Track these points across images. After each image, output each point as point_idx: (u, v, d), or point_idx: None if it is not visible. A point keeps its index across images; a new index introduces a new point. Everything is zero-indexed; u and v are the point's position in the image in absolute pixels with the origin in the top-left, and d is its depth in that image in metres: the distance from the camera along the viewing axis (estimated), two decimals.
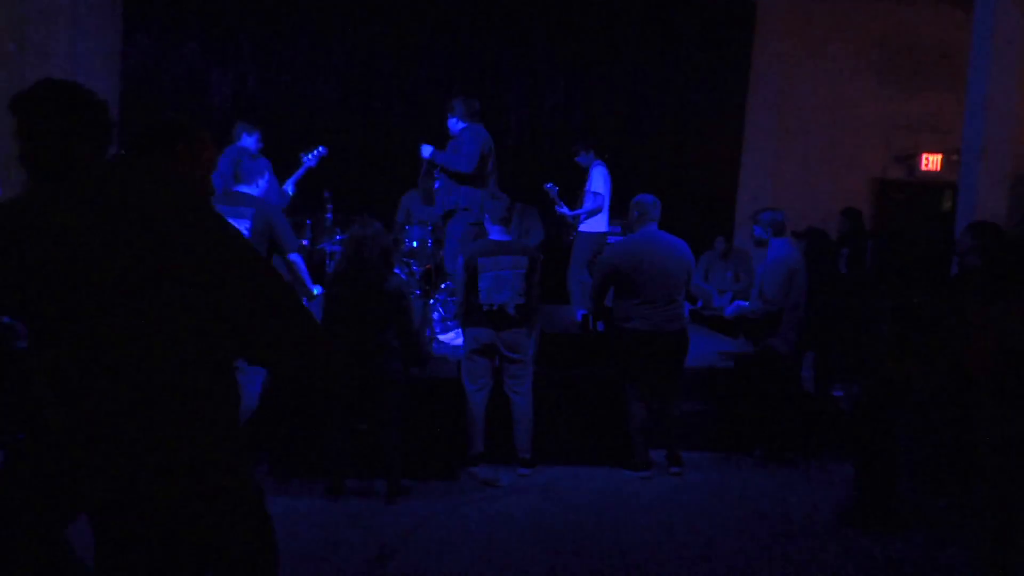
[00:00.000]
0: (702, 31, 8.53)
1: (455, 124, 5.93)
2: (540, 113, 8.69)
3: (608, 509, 4.41)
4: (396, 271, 4.52)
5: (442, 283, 6.48)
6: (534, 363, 4.93)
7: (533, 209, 7.34)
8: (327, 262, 7.12)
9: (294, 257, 4.53)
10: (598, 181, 6.48)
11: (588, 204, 6.45)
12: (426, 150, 5.93)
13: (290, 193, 6.17)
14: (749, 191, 8.60)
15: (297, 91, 8.42)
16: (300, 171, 6.21)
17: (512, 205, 5.01)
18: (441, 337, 6.06)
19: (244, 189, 4.53)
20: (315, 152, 6.22)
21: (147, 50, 8.24)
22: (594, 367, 5.31)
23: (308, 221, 7.28)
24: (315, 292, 4.78)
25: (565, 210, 6.62)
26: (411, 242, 6.54)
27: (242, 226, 4.33)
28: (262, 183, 4.62)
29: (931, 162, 8.76)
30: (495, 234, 4.85)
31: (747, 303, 7.70)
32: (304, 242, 7.24)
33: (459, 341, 5.92)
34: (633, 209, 4.93)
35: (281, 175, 6.10)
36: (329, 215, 7.09)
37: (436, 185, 6.08)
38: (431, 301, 6.26)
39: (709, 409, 5.40)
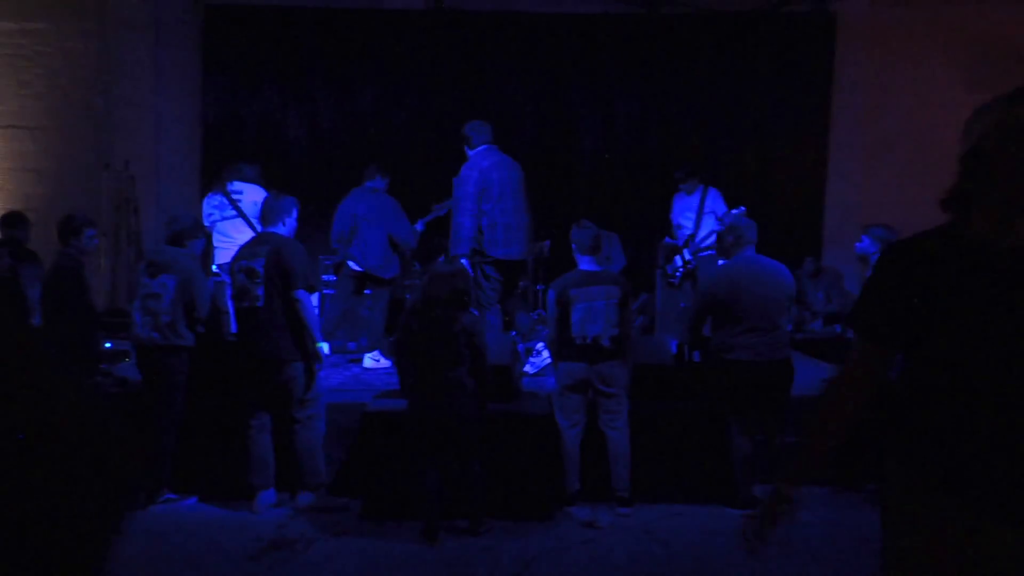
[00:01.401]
0: (780, 46, 8.27)
1: (469, 152, 5.77)
2: (613, 137, 8.53)
3: (715, 551, 4.16)
4: (471, 311, 4.41)
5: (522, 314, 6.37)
6: (628, 397, 4.73)
7: (614, 235, 7.17)
8: (406, 296, 7.09)
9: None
10: (720, 203, 6.41)
11: (714, 225, 6.35)
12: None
13: (420, 231, 6.42)
14: (837, 208, 8.26)
15: (368, 129, 8.47)
16: (429, 216, 6.48)
17: (599, 233, 4.86)
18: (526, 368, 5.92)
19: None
20: (446, 203, 6.44)
21: (225, 95, 8.42)
22: (691, 400, 5.07)
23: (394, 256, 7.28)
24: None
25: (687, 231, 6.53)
26: None
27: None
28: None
29: None
30: (584, 264, 4.70)
31: (839, 327, 7.38)
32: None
33: (537, 368, 5.80)
34: (728, 234, 4.73)
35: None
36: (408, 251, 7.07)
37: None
38: (512, 333, 6.14)
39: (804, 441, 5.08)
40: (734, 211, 6.10)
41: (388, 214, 6.06)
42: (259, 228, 5.92)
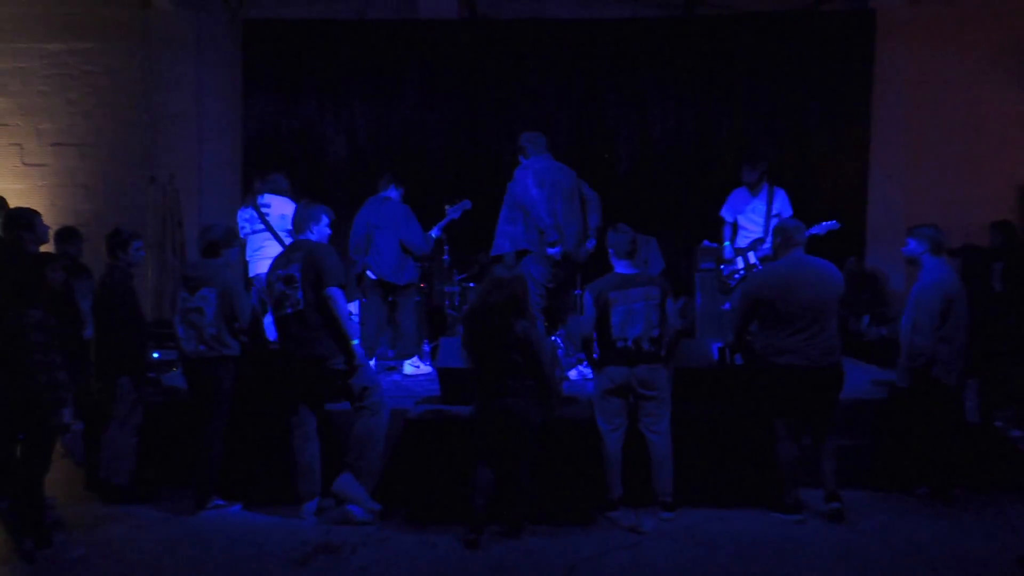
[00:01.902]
0: (819, 45, 8.13)
1: (524, 161, 5.86)
2: (648, 142, 8.47)
3: (761, 557, 4.10)
4: (531, 318, 4.49)
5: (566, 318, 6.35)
6: (670, 400, 4.69)
7: (651, 239, 7.13)
8: (445, 303, 7.13)
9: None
10: (787, 206, 6.22)
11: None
12: None
13: (434, 236, 6.39)
14: (880, 207, 8.09)
15: (408, 138, 8.53)
16: (443, 222, 6.41)
17: (635, 237, 4.85)
18: (568, 373, 5.93)
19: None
20: (459, 205, 6.40)
21: (265, 108, 8.54)
22: (733, 403, 5.02)
23: (426, 264, 7.33)
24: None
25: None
26: None
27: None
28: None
29: None
30: (621, 267, 4.69)
31: (884, 328, 7.24)
32: (422, 284, 7.29)
33: (578, 376, 5.78)
34: (776, 235, 4.66)
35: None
36: (446, 257, 7.12)
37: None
38: (553, 338, 6.14)
39: (863, 444, 5.00)
40: (825, 224, 5.83)
41: (399, 221, 6.07)
42: (287, 240, 6.00)
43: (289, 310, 4.54)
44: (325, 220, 4.78)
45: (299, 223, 4.78)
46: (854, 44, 8.10)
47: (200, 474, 4.70)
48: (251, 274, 6.36)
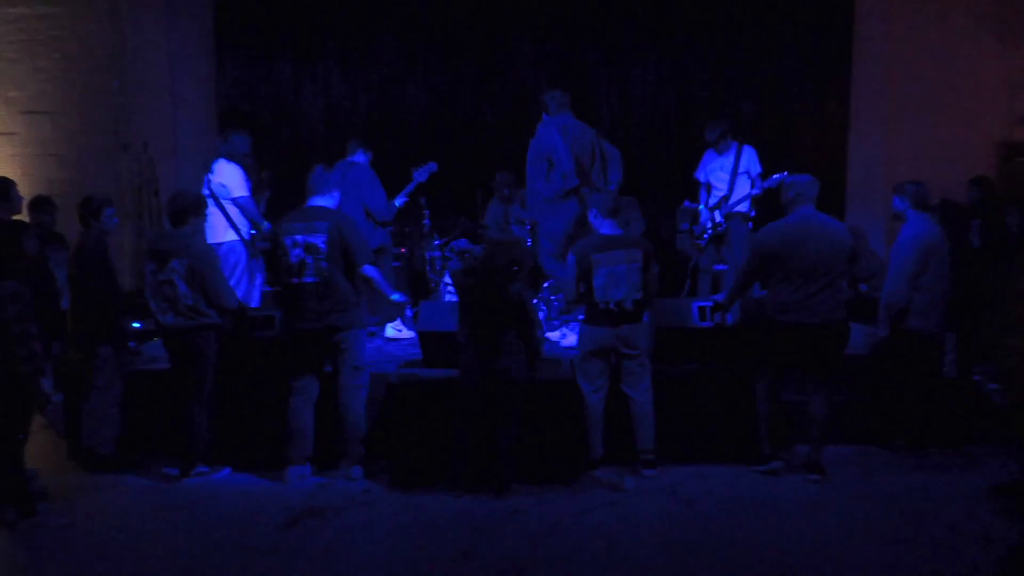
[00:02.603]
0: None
1: (545, 119, 5.81)
2: (630, 101, 8.42)
3: (740, 511, 4.17)
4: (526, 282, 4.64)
5: (544, 282, 6.35)
6: (650, 359, 4.72)
7: (632, 199, 7.10)
8: (427, 268, 7.10)
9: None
10: (755, 162, 6.29)
11: (750, 187, 6.24)
12: None
13: (397, 206, 6.25)
14: (860, 166, 8.09)
15: (385, 101, 8.44)
16: (410, 186, 6.32)
17: (618, 196, 4.85)
18: (550, 335, 5.93)
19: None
20: (425, 168, 6.31)
21: (239, 73, 8.43)
22: (714, 362, 5.05)
23: (406, 229, 7.29)
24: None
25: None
26: None
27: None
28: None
29: None
30: (605, 228, 4.67)
31: (865, 285, 7.28)
32: (402, 250, 7.26)
33: (568, 340, 5.79)
34: (788, 190, 4.60)
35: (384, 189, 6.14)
36: (427, 221, 7.07)
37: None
38: (534, 301, 6.14)
39: (844, 400, 5.06)
40: (775, 176, 5.89)
41: (363, 186, 5.97)
42: (229, 210, 5.86)
43: (309, 279, 4.51)
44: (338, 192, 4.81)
45: (318, 185, 4.71)
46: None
47: (185, 442, 4.69)
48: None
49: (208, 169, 6.02)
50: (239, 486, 4.63)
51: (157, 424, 5.03)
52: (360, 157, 6.17)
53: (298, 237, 4.55)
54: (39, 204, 5.70)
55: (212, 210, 5.81)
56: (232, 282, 5.73)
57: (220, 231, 5.86)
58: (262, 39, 8.23)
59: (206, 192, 5.90)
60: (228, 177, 5.85)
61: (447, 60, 8.32)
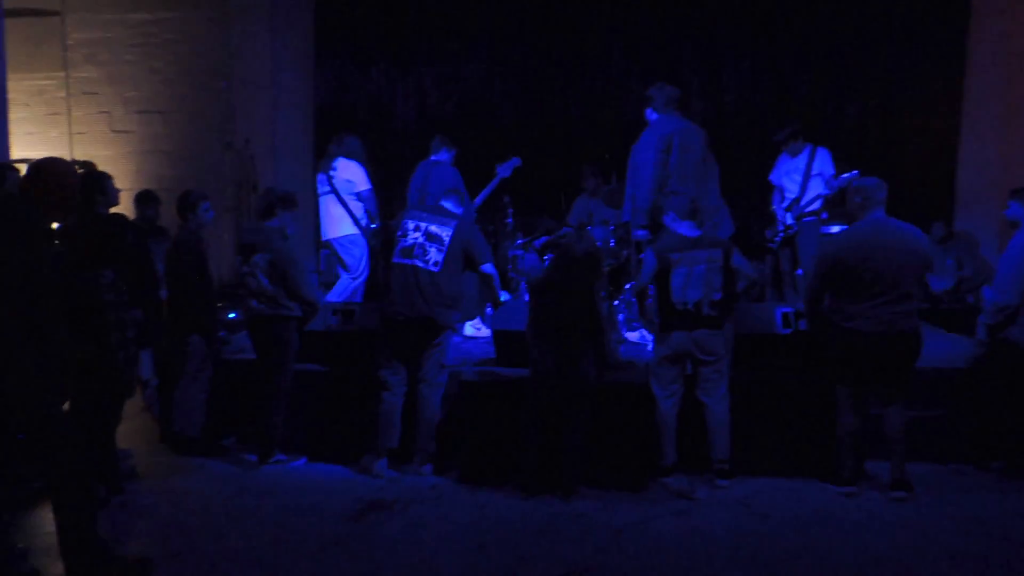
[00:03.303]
0: None
1: (650, 115, 5.66)
2: (726, 99, 8.20)
3: (817, 527, 3.99)
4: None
5: (627, 283, 6.25)
6: (729, 366, 4.57)
7: (721, 202, 6.90)
8: (508, 266, 7.12)
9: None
10: (829, 164, 6.16)
11: (821, 189, 6.10)
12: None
13: (477, 205, 6.39)
14: (972, 169, 7.60)
15: (475, 101, 8.54)
16: (494, 181, 6.42)
17: (695, 197, 4.73)
18: (629, 336, 5.85)
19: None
20: (509, 163, 6.36)
21: (337, 75, 8.72)
22: (796, 370, 4.85)
23: (490, 227, 7.33)
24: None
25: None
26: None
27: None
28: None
29: None
30: (683, 229, 4.56)
31: (971, 296, 6.85)
32: None
33: (641, 340, 5.69)
34: (855, 194, 4.39)
35: (467, 185, 6.19)
36: (510, 219, 7.09)
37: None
38: (615, 303, 6.06)
39: (936, 416, 4.76)
40: (844, 175, 5.72)
41: (447, 185, 6.02)
42: (350, 205, 6.19)
43: (419, 263, 4.65)
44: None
45: (446, 192, 5.05)
46: None
47: (264, 430, 4.87)
48: (324, 237, 6.55)
49: (324, 168, 6.35)
50: (313, 475, 4.78)
51: (242, 411, 5.25)
52: (444, 155, 6.27)
53: (423, 224, 4.71)
54: (143, 198, 6.03)
55: (335, 205, 6.25)
56: (355, 273, 6.17)
57: (343, 224, 6.24)
58: (359, 40, 8.52)
59: (327, 189, 6.27)
60: (352, 173, 6.23)
61: (538, 59, 8.34)
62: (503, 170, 6.35)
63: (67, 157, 8.03)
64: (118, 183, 5.16)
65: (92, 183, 4.72)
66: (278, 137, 8.43)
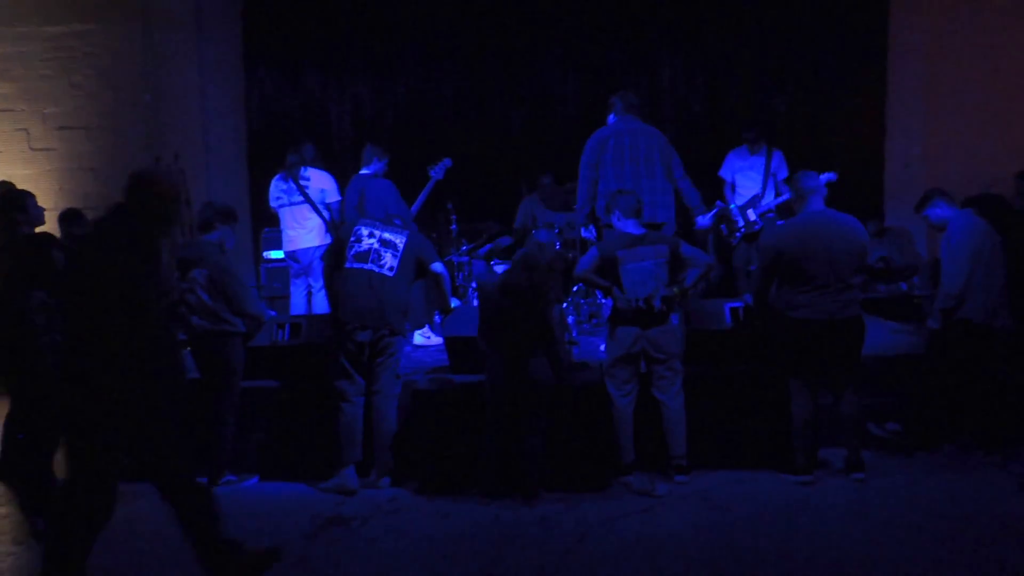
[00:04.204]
0: None
1: (609, 120, 5.78)
2: (659, 98, 8.32)
3: (774, 519, 4.03)
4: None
5: (574, 286, 6.26)
6: (682, 362, 4.61)
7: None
8: (456, 274, 7.06)
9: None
10: (783, 167, 6.47)
11: (780, 188, 6.40)
12: None
13: (414, 212, 6.30)
14: (898, 163, 7.87)
15: (411, 108, 8.47)
16: (429, 185, 6.35)
17: (640, 196, 4.77)
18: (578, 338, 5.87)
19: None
20: (440, 165, 6.31)
21: (267, 84, 8.53)
22: (748, 364, 4.91)
23: (434, 234, 7.26)
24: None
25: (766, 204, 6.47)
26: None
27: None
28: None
29: None
30: (629, 227, 4.59)
31: (904, 284, 7.09)
32: None
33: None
34: (790, 190, 4.55)
35: (406, 193, 6.10)
36: (453, 227, 7.04)
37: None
38: (564, 305, 6.06)
39: (888, 402, 4.89)
40: (823, 176, 5.69)
41: (388, 203, 5.71)
42: (325, 215, 6.24)
43: (375, 268, 4.60)
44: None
45: (396, 204, 5.33)
46: None
47: (213, 450, 4.69)
48: (286, 249, 6.49)
49: (292, 177, 6.34)
50: (267, 494, 4.63)
51: (189, 432, 5.03)
52: (376, 166, 6.10)
53: (376, 231, 4.68)
54: (69, 217, 5.77)
55: (309, 215, 6.27)
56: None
57: (321, 234, 6.28)
58: (290, 48, 8.35)
59: (299, 199, 6.23)
60: (325, 182, 6.34)
61: (474, 64, 8.32)
62: (435, 172, 6.29)
63: None
64: (41, 202, 4.90)
65: (10, 202, 4.47)
66: (209, 149, 8.19)
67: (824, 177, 5.75)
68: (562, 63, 8.33)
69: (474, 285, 6.63)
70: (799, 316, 4.35)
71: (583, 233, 5.82)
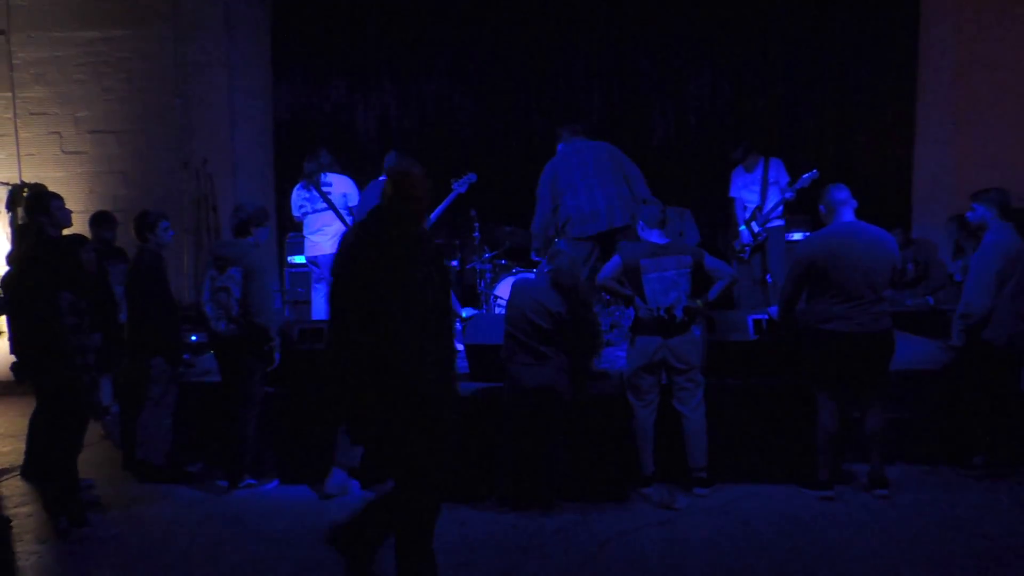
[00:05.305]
0: (862, 4, 7.87)
1: (558, 149, 5.99)
2: (686, 110, 8.29)
3: (795, 534, 3.98)
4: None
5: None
6: (704, 373, 4.57)
7: (686, 211, 6.97)
8: (477, 281, 7.07)
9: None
10: (783, 172, 6.49)
11: (779, 196, 6.44)
12: None
13: (433, 219, 6.34)
14: (927, 173, 7.77)
15: (437, 116, 8.50)
16: (450, 197, 6.34)
17: (664, 207, 4.74)
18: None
19: None
20: (465, 179, 6.33)
21: (295, 89, 8.62)
22: (771, 376, 4.86)
23: (456, 241, 7.27)
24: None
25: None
26: None
27: None
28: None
29: None
30: (653, 237, 4.56)
31: (932, 298, 6.98)
32: (454, 263, 7.24)
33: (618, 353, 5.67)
34: (819, 204, 4.46)
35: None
36: (476, 234, 7.05)
37: None
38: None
39: (915, 417, 4.81)
40: (805, 176, 6.11)
41: None
42: (348, 220, 6.19)
43: None
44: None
45: None
46: (899, 4, 7.79)
47: (233, 454, 4.73)
48: (308, 254, 6.53)
49: (312, 184, 6.41)
50: (286, 498, 4.64)
51: (209, 435, 5.09)
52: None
53: None
54: (99, 219, 5.84)
55: (334, 220, 6.35)
56: None
57: None
58: (318, 54, 8.45)
59: (322, 205, 6.31)
60: (347, 187, 6.44)
61: (499, 72, 8.34)
62: (459, 186, 6.33)
63: (15, 179, 7.80)
64: (71, 205, 4.99)
65: (35, 205, 4.54)
66: (236, 154, 8.27)
67: (807, 177, 6.10)
68: (587, 73, 8.33)
69: (496, 291, 6.64)
70: (831, 328, 4.28)
71: (534, 257, 6.10)
